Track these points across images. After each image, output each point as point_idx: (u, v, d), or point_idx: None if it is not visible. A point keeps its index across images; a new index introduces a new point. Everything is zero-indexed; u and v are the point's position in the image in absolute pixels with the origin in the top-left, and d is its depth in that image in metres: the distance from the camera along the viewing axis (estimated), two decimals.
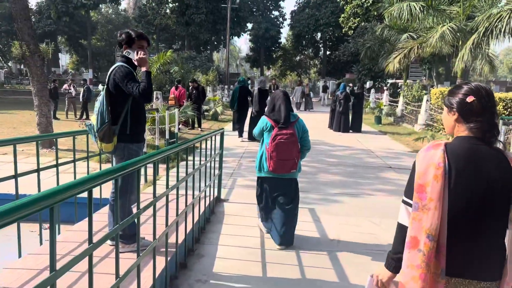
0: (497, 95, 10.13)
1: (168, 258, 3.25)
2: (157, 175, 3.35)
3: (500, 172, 1.58)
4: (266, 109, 4.55)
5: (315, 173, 8.04)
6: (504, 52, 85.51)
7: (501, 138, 7.16)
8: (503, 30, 10.66)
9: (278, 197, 4.34)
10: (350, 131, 14.23)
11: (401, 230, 1.71)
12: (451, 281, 1.61)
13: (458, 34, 14.60)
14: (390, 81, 29.13)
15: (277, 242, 4.31)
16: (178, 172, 3.83)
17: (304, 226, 4.90)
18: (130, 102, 3.45)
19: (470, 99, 1.61)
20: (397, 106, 19.88)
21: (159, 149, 3.26)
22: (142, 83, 3.32)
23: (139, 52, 3.44)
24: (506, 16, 10.16)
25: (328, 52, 48.29)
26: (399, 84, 25.46)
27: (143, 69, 3.42)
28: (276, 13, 50.74)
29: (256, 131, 4.42)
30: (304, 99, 22.99)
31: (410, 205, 1.66)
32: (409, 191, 1.68)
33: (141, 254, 2.60)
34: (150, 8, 42.17)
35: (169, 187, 3.16)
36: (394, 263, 1.73)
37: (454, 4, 15.98)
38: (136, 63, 3.46)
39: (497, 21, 10.44)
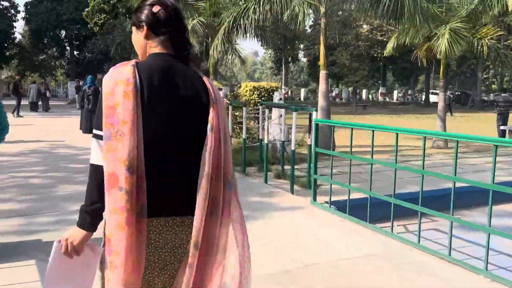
0: (252, 84, 10.17)
1: None
2: None
3: (196, 90, 1.46)
4: None
5: (52, 185, 5.86)
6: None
7: (266, 122, 6.74)
8: (249, 23, 10.85)
9: None
10: None
11: (95, 171, 1.36)
12: (152, 222, 1.38)
13: (207, 30, 14.69)
14: None
15: None
16: None
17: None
18: None
19: (156, 8, 1.48)
20: None
21: None
22: None
23: None
24: (251, 7, 10.35)
25: (76, 52, 43.74)
26: None
27: None
28: (5, 3, 42.57)
29: None
30: (41, 99, 19.46)
31: (102, 137, 1.33)
32: (99, 122, 1.35)
33: None
34: None
35: None
36: (89, 218, 1.36)
37: (201, 0, 16.08)
38: None
39: (245, 11, 10.55)
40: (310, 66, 51.30)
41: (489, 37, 10.79)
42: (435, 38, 10.92)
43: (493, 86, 55.27)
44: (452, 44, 10.35)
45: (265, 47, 52.43)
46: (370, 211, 4.24)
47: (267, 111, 6.73)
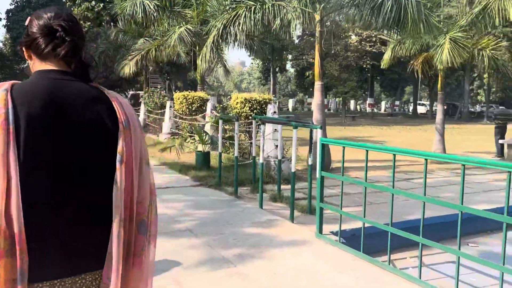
0: (243, 95, 9.47)
1: None
2: None
3: (97, 115, 1.19)
4: None
5: None
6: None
7: (261, 138, 6.06)
8: (239, 31, 10.19)
9: None
10: None
11: None
12: (34, 286, 1.11)
13: (194, 38, 14.10)
14: (131, 92, 27.70)
15: None
16: None
17: None
18: None
19: (27, 20, 1.25)
20: (138, 115, 18.16)
21: None
22: None
23: None
24: (242, 14, 9.72)
25: None
26: (140, 94, 24.01)
27: None
28: None
29: None
30: None
31: None
32: None
33: None
34: None
35: None
36: None
37: (188, 8, 15.49)
38: None
39: (235, 18, 9.92)
40: (298, 77, 51.05)
41: (490, 48, 10.35)
42: (433, 49, 10.45)
43: (479, 97, 55.73)
44: (453, 54, 9.87)
45: (252, 57, 52.16)
46: (378, 241, 3.58)
47: (263, 126, 6.04)
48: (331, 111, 46.11)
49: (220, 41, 10.52)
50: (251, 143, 7.99)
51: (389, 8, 7.87)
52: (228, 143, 8.99)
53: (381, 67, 13.10)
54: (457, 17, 11.00)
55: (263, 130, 5.95)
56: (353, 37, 32.41)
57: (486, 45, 10.32)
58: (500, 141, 12.51)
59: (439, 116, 11.61)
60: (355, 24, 32.47)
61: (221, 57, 15.43)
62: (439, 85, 11.66)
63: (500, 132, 12.65)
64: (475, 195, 7.01)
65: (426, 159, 3.12)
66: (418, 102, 47.72)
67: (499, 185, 7.87)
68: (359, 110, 50.49)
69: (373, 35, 31.46)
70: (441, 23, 11.00)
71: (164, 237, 3.99)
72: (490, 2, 10.14)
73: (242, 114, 8.95)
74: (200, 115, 11.63)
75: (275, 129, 7.66)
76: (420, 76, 12.82)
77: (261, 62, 55.01)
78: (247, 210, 5.45)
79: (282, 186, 6.88)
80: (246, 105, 9.01)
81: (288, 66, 53.26)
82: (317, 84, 9.91)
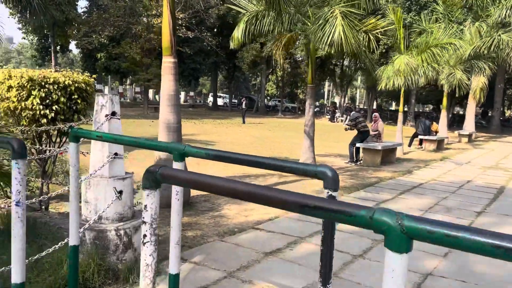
0: (26, 72, 4.47)
1: None
2: None
3: None
4: None
5: None
6: None
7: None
8: None
9: None
10: None
11: None
12: None
13: None
14: None
15: None
16: None
17: None
18: None
19: None
20: None
21: None
22: None
23: None
24: None
25: None
26: None
27: None
28: None
29: None
30: None
31: None
32: None
33: None
34: None
35: None
36: None
37: None
38: None
39: None
40: (85, 59, 43.34)
41: (378, 31, 8.20)
42: (318, 24, 7.64)
43: (267, 92, 59.25)
44: (347, 34, 7.25)
45: (24, 30, 41.68)
46: None
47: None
48: (128, 100, 40.74)
49: None
50: (45, 179, 3.38)
51: None
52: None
53: (230, 47, 9.71)
54: None
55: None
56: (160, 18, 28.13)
57: (373, 27, 8.17)
58: (358, 145, 10.92)
59: (308, 118, 8.97)
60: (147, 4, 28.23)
61: None
62: (309, 77, 9.00)
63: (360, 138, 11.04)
64: None
65: None
66: (219, 94, 46.97)
67: None
68: (158, 100, 46.45)
69: (179, 17, 27.93)
70: None
71: None
72: None
73: (25, 115, 4.09)
74: None
75: (116, 154, 3.33)
76: (275, 65, 10.00)
77: (36, 38, 44.60)
78: None
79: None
80: (34, 93, 4.14)
81: (72, 45, 44.68)
82: (168, 62, 5.79)
